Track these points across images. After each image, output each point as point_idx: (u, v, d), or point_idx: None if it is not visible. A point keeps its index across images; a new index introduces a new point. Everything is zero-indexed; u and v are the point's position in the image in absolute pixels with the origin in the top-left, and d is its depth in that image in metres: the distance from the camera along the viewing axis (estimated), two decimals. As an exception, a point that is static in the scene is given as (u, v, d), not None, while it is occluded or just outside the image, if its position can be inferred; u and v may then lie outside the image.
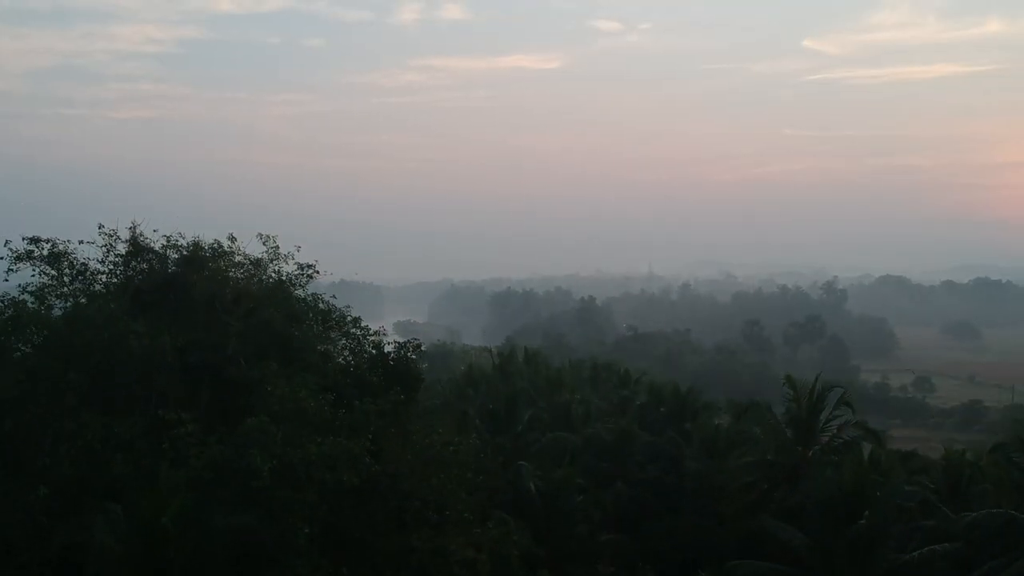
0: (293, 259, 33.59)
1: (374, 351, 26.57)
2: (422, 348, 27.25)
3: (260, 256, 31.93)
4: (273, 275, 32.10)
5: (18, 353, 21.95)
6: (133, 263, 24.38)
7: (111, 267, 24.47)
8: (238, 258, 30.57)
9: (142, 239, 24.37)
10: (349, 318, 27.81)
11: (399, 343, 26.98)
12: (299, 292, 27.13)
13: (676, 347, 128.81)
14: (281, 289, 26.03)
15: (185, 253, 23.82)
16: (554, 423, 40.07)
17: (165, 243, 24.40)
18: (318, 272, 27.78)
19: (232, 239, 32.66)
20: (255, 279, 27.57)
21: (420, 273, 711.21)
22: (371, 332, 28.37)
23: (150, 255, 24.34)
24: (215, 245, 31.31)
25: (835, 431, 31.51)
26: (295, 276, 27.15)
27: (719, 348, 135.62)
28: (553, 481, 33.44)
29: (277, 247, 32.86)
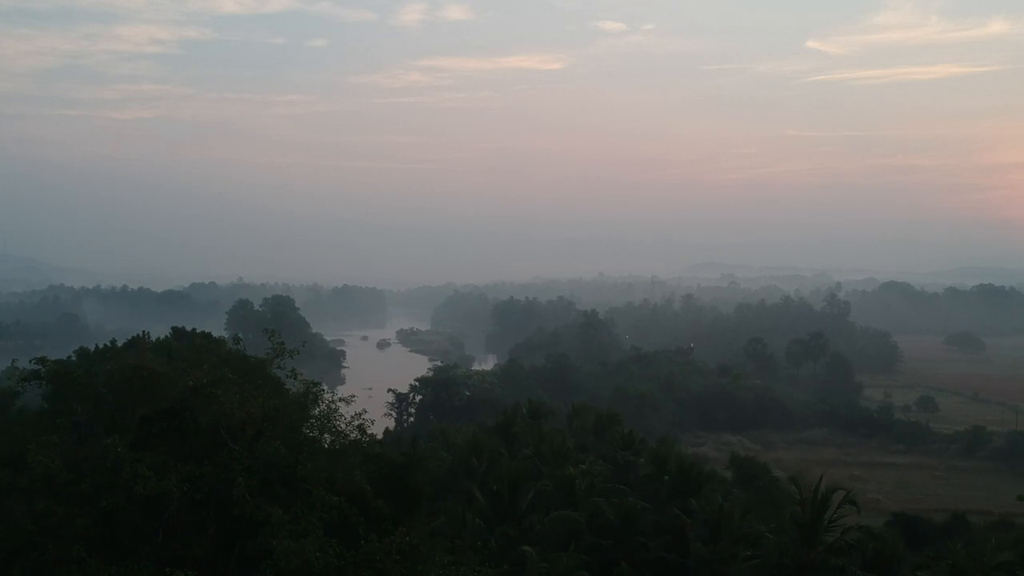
0: (297, 355, 33.80)
1: (379, 464, 26.65)
2: (423, 456, 27.42)
3: (266, 355, 32.18)
4: (278, 371, 32.27)
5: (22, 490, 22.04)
6: (139, 388, 24.49)
7: (116, 390, 24.62)
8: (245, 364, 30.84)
9: (149, 365, 24.49)
10: (354, 426, 27.89)
11: (402, 458, 27.03)
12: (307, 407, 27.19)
13: (679, 369, 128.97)
14: (286, 408, 26.08)
15: (191, 382, 23.87)
16: (558, 498, 40.13)
17: (169, 363, 24.52)
18: (323, 390, 27.88)
19: (237, 339, 32.77)
20: (259, 387, 27.76)
21: (423, 276, 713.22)
22: (376, 440, 28.53)
23: (156, 378, 24.46)
24: (220, 341, 31.45)
25: (840, 534, 31.55)
26: (301, 396, 27.26)
27: (721, 370, 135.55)
28: (557, 569, 33.51)
29: (283, 343, 33.07)
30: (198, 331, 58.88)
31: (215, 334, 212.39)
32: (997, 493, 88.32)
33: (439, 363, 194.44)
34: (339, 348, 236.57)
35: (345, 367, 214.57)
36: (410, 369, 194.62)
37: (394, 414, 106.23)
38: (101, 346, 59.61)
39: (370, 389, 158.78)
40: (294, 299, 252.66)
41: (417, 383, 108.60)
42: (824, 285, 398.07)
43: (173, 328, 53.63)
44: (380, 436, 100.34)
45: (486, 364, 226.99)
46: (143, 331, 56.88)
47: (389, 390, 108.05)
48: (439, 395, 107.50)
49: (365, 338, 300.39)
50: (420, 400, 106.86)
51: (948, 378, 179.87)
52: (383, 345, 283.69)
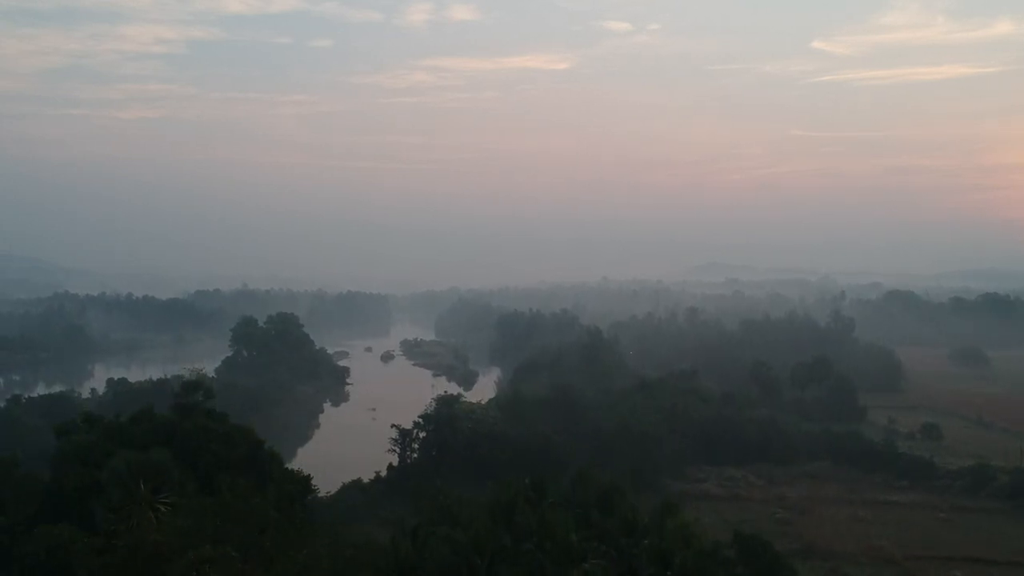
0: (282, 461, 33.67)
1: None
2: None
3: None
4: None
5: None
6: (143, 567, 24.42)
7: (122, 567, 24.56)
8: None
9: (150, 535, 24.45)
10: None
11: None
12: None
13: (683, 397, 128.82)
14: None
15: (194, 574, 23.81)
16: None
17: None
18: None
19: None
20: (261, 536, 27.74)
21: (427, 277, 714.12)
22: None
23: (159, 551, 24.40)
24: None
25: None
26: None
27: (726, 397, 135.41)
28: None
29: (281, 461, 32.92)
30: (201, 401, 58.47)
31: (219, 347, 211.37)
32: (1000, 537, 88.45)
33: (444, 381, 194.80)
34: (342, 363, 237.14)
35: (349, 383, 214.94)
36: (414, 386, 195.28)
37: (397, 450, 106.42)
38: (109, 419, 59.57)
39: (374, 410, 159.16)
40: (298, 312, 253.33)
41: (421, 420, 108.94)
42: (829, 292, 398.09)
43: (175, 404, 53.84)
44: (384, 473, 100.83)
45: (489, 378, 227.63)
46: (148, 404, 56.82)
47: (392, 425, 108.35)
48: (442, 430, 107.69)
49: (369, 349, 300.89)
50: (424, 437, 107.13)
51: (953, 397, 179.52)
52: (387, 358, 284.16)
